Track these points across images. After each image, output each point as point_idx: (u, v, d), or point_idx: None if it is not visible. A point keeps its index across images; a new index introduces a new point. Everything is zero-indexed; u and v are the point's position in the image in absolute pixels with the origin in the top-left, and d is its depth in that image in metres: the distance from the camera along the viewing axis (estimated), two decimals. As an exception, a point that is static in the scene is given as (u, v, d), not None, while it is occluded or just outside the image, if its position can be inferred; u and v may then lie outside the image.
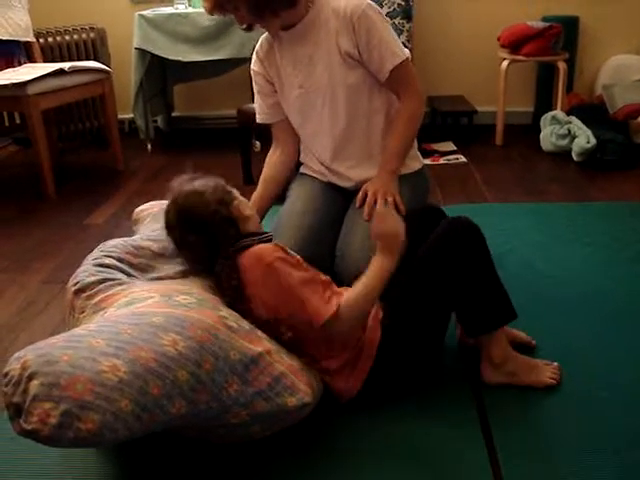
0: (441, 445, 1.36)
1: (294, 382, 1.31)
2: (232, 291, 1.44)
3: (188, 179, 1.54)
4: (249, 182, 3.18)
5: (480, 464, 1.31)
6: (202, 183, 1.52)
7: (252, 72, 1.95)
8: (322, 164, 1.94)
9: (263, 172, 1.98)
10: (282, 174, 1.97)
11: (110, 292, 1.43)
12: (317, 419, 1.42)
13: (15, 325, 1.97)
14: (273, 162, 1.98)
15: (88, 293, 1.45)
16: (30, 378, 1.05)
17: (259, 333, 1.36)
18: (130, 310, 1.28)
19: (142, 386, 1.10)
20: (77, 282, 1.49)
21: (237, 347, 1.26)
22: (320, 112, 1.86)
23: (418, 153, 2.01)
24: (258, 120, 2.00)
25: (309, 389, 1.34)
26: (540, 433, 1.39)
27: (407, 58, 1.80)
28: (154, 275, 1.55)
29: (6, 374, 1.09)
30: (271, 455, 1.36)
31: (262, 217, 1.87)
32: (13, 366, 1.09)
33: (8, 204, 3.08)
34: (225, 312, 1.34)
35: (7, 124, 3.79)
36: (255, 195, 1.92)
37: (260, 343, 1.32)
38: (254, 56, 1.94)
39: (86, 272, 1.51)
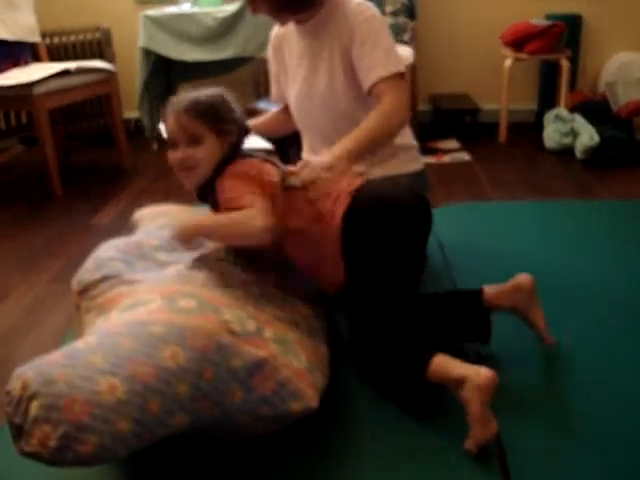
0: (444, 443, 1.36)
1: (299, 387, 1.30)
2: None
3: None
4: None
5: (486, 461, 1.31)
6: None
7: (268, 57, 2.03)
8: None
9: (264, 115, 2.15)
10: (280, 122, 2.10)
11: (114, 293, 1.44)
12: (317, 419, 1.42)
13: (24, 324, 2.00)
14: (275, 112, 2.12)
15: (92, 293, 1.47)
16: (30, 399, 1.07)
17: (266, 334, 1.35)
18: (132, 316, 1.28)
19: (141, 404, 1.12)
20: (79, 282, 1.52)
21: (240, 354, 1.25)
22: (320, 111, 1.88)
23: (419, 155, 2.01)
24: (272, 98, 2.12)
25: (315, 393, 1.33)
26: (546, 429, 1.41)
27: (398, 73, 1.74)
28: (163, 258, 1.58)
29: (8, 392, 1.12)
30: (270, 455, 1.36)
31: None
32: (14, 385, 1.11)
33: (16, 204, 3.11)
34: (228, 315, 1.32)
35: (14, 124, 3.82)
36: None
37: (265, 346, 1.31)
38: (269, 43, 2.00)
39: (87, 270, 1.53)
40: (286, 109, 2.06)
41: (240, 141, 1.61)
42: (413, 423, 1.43)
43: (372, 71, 1.72)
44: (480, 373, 1.29)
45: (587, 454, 1.32)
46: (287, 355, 1.34)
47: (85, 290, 1.49)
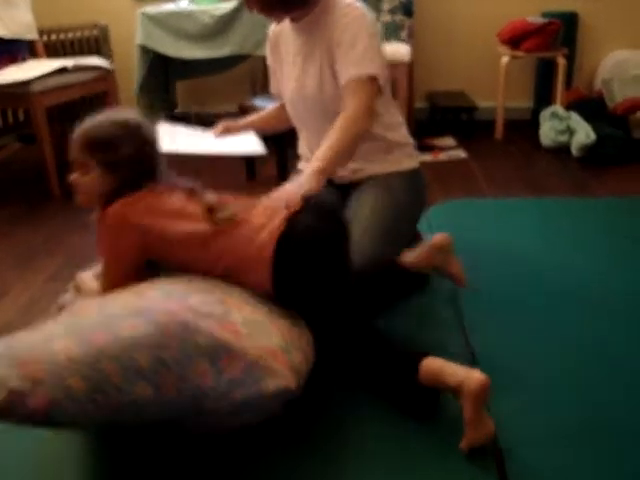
0: (444, 445, 1.36)
1: (271, 366, 1.26)
2: None
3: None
4: (252, 178, 3.21)
5: (484, 464, 1.32)
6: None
7: (266, 54, 2.04)
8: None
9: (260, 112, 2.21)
10: (279, 118, 2.13)
11: (87, 303, 1.50)
12: (313, 419, 1.44)
13: (20, 323, 2.00)
14: (274, 108, 2.16)
15: (69, 307, 1.55)
16: None
17: (234, 317, 1.31)
18: (97, 304, 1.34)
19: (95, 366, 1.15)
20: (58, 302, 1.63)
21: (204, 332, 1.24)
22: (312, 109, 1.88)
23: (415, 153, 2.02)
24: (271, 92, 2.13)
25: (290, 373, 1.28)
26: (543, 421, 1.42)
27: (368, 76, 1.71)
28: None
29: None
30: (269, 455, 1.35)
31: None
32: None
33: (14, 202, 3.11)
34: (195, 299, 1.31)
35: (11, 121, 3.81)
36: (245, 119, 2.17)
37: (233, 328, 1.28)
38: (267, 39, 2.01)
39: (65, 294, 1.66)
40: (285, 105, 2.07)
41: (140, 175, 1.52)
42: (413, 424, 1.43)
43: (344, 72, 1.73)
44: (472, 377, 1.30)
45: (586, 457, 1.33)
46: (257, 336, 1.30)
47: (63, 307, 1.59)
